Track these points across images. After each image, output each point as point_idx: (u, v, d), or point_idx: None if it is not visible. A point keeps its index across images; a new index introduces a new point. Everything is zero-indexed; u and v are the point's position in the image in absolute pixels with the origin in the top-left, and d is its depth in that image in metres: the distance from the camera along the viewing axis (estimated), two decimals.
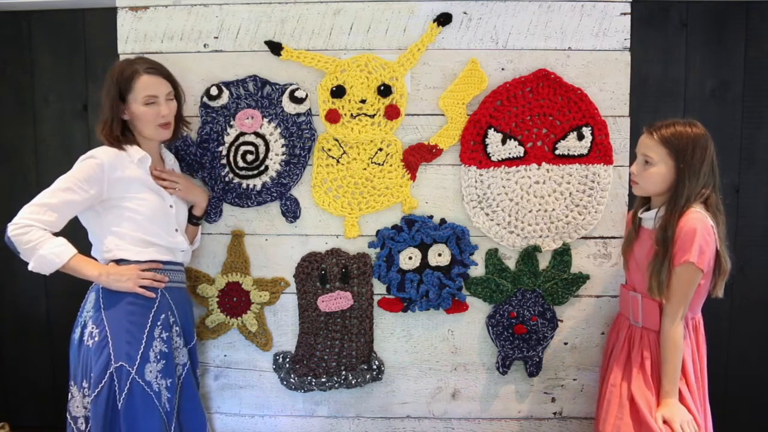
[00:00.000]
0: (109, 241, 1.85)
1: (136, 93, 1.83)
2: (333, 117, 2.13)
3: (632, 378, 1.81)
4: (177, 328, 1.95)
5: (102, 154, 1.82)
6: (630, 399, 1.79)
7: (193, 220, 2.12)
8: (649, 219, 1.82)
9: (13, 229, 1.72)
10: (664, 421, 1.70)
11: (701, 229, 1.68)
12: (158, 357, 1.84)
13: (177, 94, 1.96)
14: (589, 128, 2.12)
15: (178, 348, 1.95)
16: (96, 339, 1.79)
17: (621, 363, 1.87)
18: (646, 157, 1.77)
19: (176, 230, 1.96)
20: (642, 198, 1.88)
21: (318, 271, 2.19)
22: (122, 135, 1.86)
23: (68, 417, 1.87)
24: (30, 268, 1.74)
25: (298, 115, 2.15)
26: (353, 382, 2.20)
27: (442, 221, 2.18)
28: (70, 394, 1.86)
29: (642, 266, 1.82)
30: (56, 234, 1.77)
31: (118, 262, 1.86)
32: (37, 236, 1.72)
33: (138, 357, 1.79)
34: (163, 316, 1.88)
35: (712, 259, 1.71)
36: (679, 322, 1.72)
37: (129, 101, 1.84)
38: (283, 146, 2.16)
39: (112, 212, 1.84)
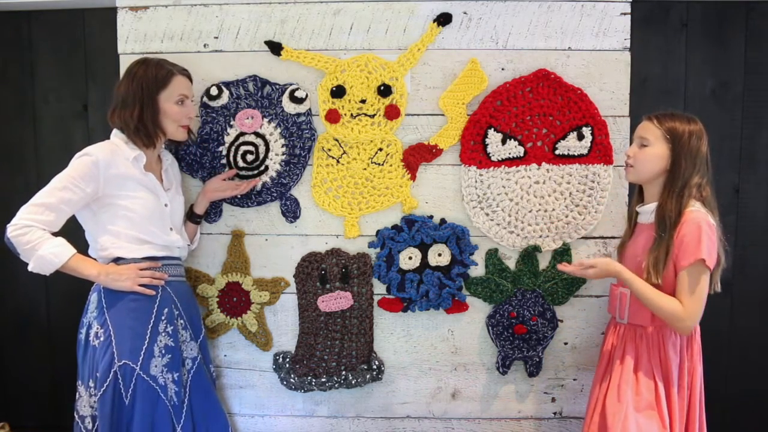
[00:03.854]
0: (104, 239, 1.86)
1: (172, 91, 1.89)
2: (333, 117, 2.13)
3: (611, 376, 1.81)
4: (182, 321, 1.96)
5: (97, 151, 1.82)
6: (603, 398, 1.79)
7: (195, 218, 2.12)
8: (647, 213, 1.82)
9: (12, 230, 1.72)
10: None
11: (705, 227, 1.68)
12: (163, 351, 1.85)
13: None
14: (589, 128, 2.12)
15: (185, 341, 1.96)
16: (101, 339, 1.81)
17: (603, 364, 1.89)
18: (643, 139, 1.79)
19: (171, 229, 1.97)
20: (638, 195, 1.89)
21: (318, 271, 2.19)
22: (152, 130, 1.88)
23: (76, 416, 1.88)
24: (30, 268, 1.75)
25: (298, 115, 2.15)
26: (353, 382, 2.20)
27: (442, 221, 2.18)
28: (77, 393, 1.88)
29: (635, 260, 1.82)
30: (55, 233, 1.78)
31: (116, 260, 1.87)
32: (36, 236, 1.72)
33: (142, 353, 1.81)
34: (166, 309, 1.89)
35: (716, 256, 1.71)
36: (685, 315, 1.67)
37: (161, 99, 1.88)
38: (283, 146, 2.16)
39: (107, 210, 1.85)
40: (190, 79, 1.98)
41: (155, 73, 1.87)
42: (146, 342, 1.82)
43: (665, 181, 1.76)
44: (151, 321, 1.85)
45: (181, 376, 1.91)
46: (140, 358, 1.80)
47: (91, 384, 1.82)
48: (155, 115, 1.88)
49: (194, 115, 1.98)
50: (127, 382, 1.79)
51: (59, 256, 1.75)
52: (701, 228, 1.67)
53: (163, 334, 1.87)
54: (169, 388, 1.85)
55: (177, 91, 1.90)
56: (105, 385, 1.78)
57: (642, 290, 1.72)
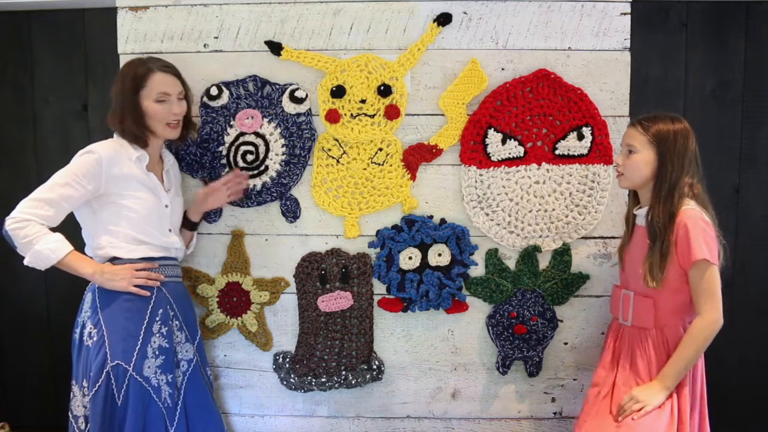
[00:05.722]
0: (102, 238, 1.86)
1: (150, 90, 1.85)
2: (333, 117, 2.13)
3: (617, 378, 1.81)
4: (177, 322, 1.95)
5: (100, 149, 1.82)
6: (610, 399, 1.79)
7: (189, 225, 2.11)
8: (643, 215, 1.82)
9: (10, 223, 1.72)
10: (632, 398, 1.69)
11: (702, 224, 1.68)
12: (157, 352, 1.85)
13: (187, 95, 1.97)
14: (589, 128, 2.12)
15: (180, 343, 1.95)
16: (94, 339, 1.81)
17: (605, 364, 1.89)
18: (630, 146, 1.79)
19: (170, 230, 1.96)
20: (634, 198, 1.89)
21: (318, 271, 2.19)
22: (138, 131, 1.87)
23: (70, 416, 1.87)
24: (25, 262, 1.75)
25: (298, 115, 2.15)
26: (353, 382, 2.20)
27: (442, 221, 2.18)
28: (72, 393, 1.87)
29: (637, 263, 1.82)
30: (53, 229, 1.78)
31: (112, 260, 1.86)
32: (34, 231, 1.72)
33: (135, 354, 1.80)
34: (161, 310, 1.88)
35: (717, 251, 1.70)
36: (710, 321, 1.67)
37: (141, 97, 1.85)
38: (283, 146, 2.16)
39: (107, 209, 1.85)
40: (177, 75, 1.92)
41: (134, 71, 1.85)
42: (139, 343, 1.81)
43: (654, 184, 1.76)
44: (145, 322, 1.84)
45: (175, 378, 1.90)
46: (133, 359, 1.79)
47: (85, 384, 1.82)
48: (138, 115, 1.85)
49: (180, 111, 1.91)
50: (119, 383, 1.78)
51: (56, 252, 1.74)
52: (698, 226, 1.67)
53: (157, 335, 1.86)
54: (163, 390, 1.85)
55: (156, 89, 1.85)
56: (97, 385, 1.78)
57: (686, 355, 1.69)
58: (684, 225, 1.68)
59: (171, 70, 1.91)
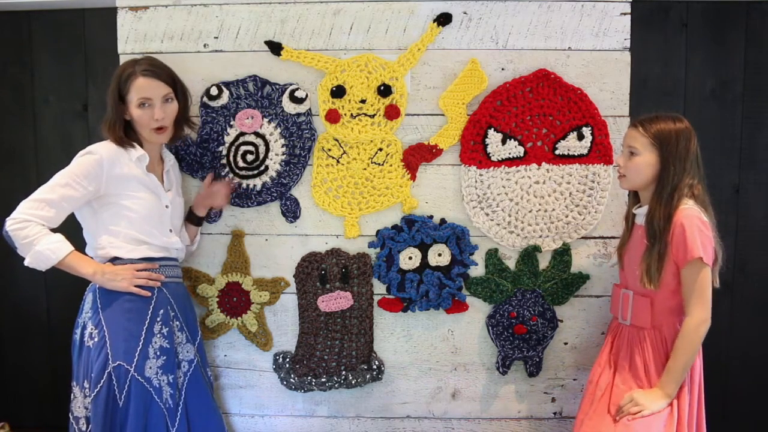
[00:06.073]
0: (103, 238, 1.85)
1: (131, 95, 1.84)
2: (333, 117, 2.13)
3: (615, 377, 1.81)
4: (178, 323, 1.95)
5: (101, 150, 1.82)
6: (609, 397, 1.80)
7: (195, 220, 2.12)
8: (643, 215, 1.82)
9: (10, 224, 1.72)
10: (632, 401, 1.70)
11: (698, 223, 1.68)
12: (158, 353, 1.84)
13: (178, 95, 1.94)
14: (589, 128, 2.12)
15: (181, 343, 1.95)
16: (95, 339, 1.80)
17: (602, 362, 1.89)
18: (631, 148, 1.78)
19: (170, 231, 1.96)
20: (634, 198, 1.89)
21: (318, 271, 2.19)
22: (125, 135, 1.87)
23: (71, 417, 1.87)
24: (26, 263, 1.75)
25: (298, 115, 2.15)
26: (353, 382, 2.20)
27: (442, 221, 2.18)
28: (72, 394, 1.87)
29: (635, 263, 1.82)
30: (54, 230, 1.77)
31: (113, 260, 1.86)
32: (34, 232, 1.72)
33: (136, 354, 1.80)
34: (162, 311, 1.88)
35: (713, 251, 1.71)
36: (700, 321, 1.68)
37: (127, 102, 1.85)
38: (283, 146, 2.16)
39: (108, 209, 1.84)
40: (161, 77, 1.86)
41: (119, 77, 1.85)
42: (141, 343, 1.81)
43: (655, 187, 1.76)
44: (146, 322, 1.84)
45: (176, 378, 1.90)
46: (135, 360, 1.79)
47: (86, 385, 1.81)
48: (122, 116, 1.86)
49: (162, 116, 1.85)
50: (121, 384, 1.78)
51: (56, 252, 1.74)
52: (694, 225, 1.67)
53: (158, 335, 1.86)
54: (164, 391, 1.84)
55: (136, 94, 1.82)
56: (99, 386, 1.77)
57: (682, 359, 1.70)
58: (680, 224, 1.68)
59: (154, 72, 1.85)
